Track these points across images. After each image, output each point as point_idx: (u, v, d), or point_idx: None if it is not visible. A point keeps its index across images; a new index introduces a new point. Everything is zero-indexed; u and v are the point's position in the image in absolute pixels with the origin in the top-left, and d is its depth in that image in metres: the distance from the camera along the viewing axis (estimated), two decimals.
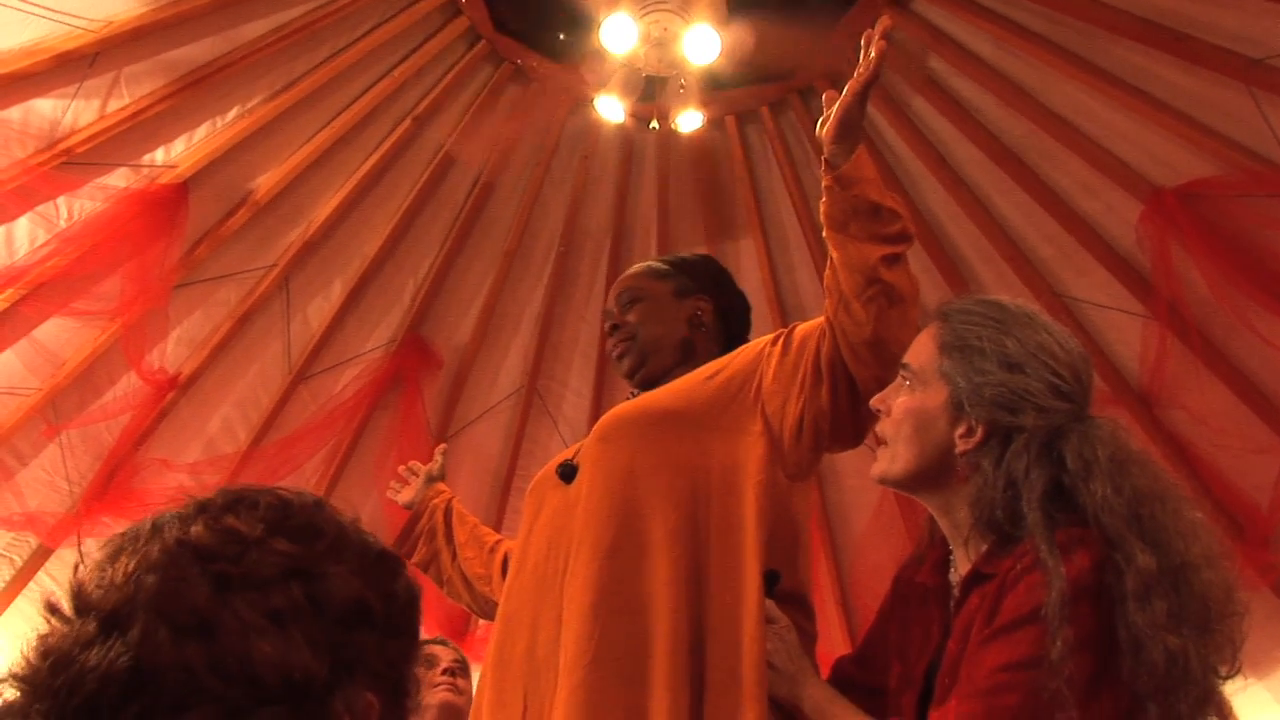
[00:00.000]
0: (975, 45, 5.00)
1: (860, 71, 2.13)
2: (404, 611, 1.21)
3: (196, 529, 1.11)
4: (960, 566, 1.85)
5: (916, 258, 5.49)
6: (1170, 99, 4.70)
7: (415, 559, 3.13)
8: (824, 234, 2.19)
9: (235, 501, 1.16)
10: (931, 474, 1.86)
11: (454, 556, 3.06)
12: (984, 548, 1.79)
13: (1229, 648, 1.65)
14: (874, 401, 1.97)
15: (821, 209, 2.18)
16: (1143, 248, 5.09)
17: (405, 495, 3.30)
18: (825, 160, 2.16)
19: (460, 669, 3.71)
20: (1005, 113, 5.13)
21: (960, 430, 1.82)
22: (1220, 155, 4.70)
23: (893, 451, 1.90)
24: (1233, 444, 5.24)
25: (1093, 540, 1.64)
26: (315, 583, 1.11)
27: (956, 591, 1.83)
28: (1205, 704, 1.59)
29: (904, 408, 1.90)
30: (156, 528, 1.12)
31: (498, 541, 3.06)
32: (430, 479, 3.29)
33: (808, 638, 2.18)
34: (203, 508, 1.15)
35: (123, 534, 1.14)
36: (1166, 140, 4.81)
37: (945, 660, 1.75)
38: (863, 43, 2.15)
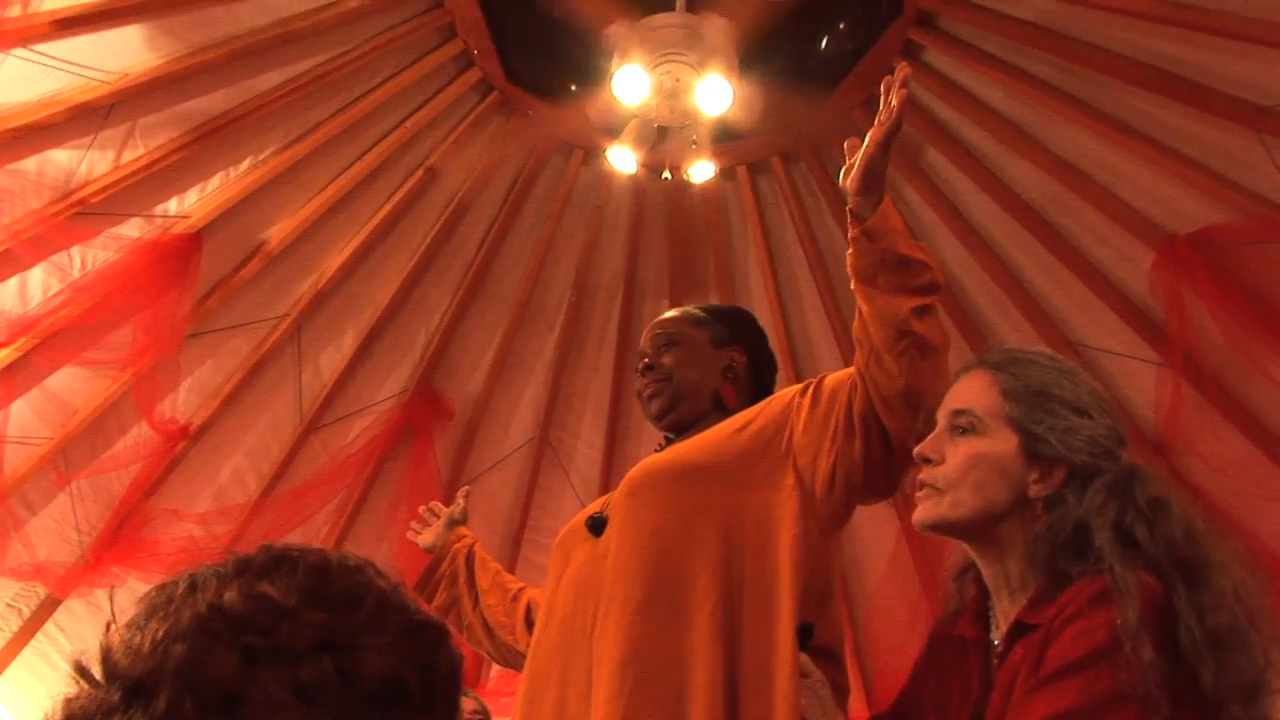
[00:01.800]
0: (986, 95, 5.02)
1: (882, 120, 2.12)
2: (443, 683, 1.16)
3: (230, 594, 1.07)
4: (1001, 617, 1.84)
5: None
6: (1181, 146, 4.71)
7: (435, 602, 3.09)
8: (852, 286, 2.18)
9: (276, 563, 1.12)
10: (995, 520, 1.85)
11: (475, 602, 3.03)
12: (1028, 596, 1.78)
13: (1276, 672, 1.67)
14: (923, 449, 1.94)
15: (849, 261, 2.17)
16: (1156, 295, 5.09)
17: (426, 538, 3.24)
18: (850, 211, 2.15)
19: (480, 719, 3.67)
20: (1017, 162, 5.14)
21: (1034, 475, 1.81)
22: (1232, 202, 4.71)
23: (955, 497, 1.87)
24: (1250, 491, 5.20)
25: (1156, 578, 1.65)
26: (348, 657, 1.06)
27: (999, 644, 1.81)
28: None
29: (969, 454, 1.87)
30: (192, 588, 1.09)
31: (520, 589, 3.02)
32: (452, 522, 3.23)
33: (840, 692, 2.15)
34: (242, 568, 1.12)
35: (160, 590, 1.11)
36: (1178, 188, 4.82)
37: (990, 713, 1.74)
38: (883, 90, 2.14)
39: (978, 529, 1.87)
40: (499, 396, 6.23)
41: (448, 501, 3.43)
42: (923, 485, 1.91)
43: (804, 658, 2.02)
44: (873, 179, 2.12)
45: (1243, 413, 5.14)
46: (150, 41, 4.53)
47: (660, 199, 5.78)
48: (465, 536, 3.21)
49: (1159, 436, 5.37)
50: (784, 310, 5.94)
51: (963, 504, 1.86)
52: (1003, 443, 1.85)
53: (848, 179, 2.15)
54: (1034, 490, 1.81)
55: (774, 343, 5.58)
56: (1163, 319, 5.11)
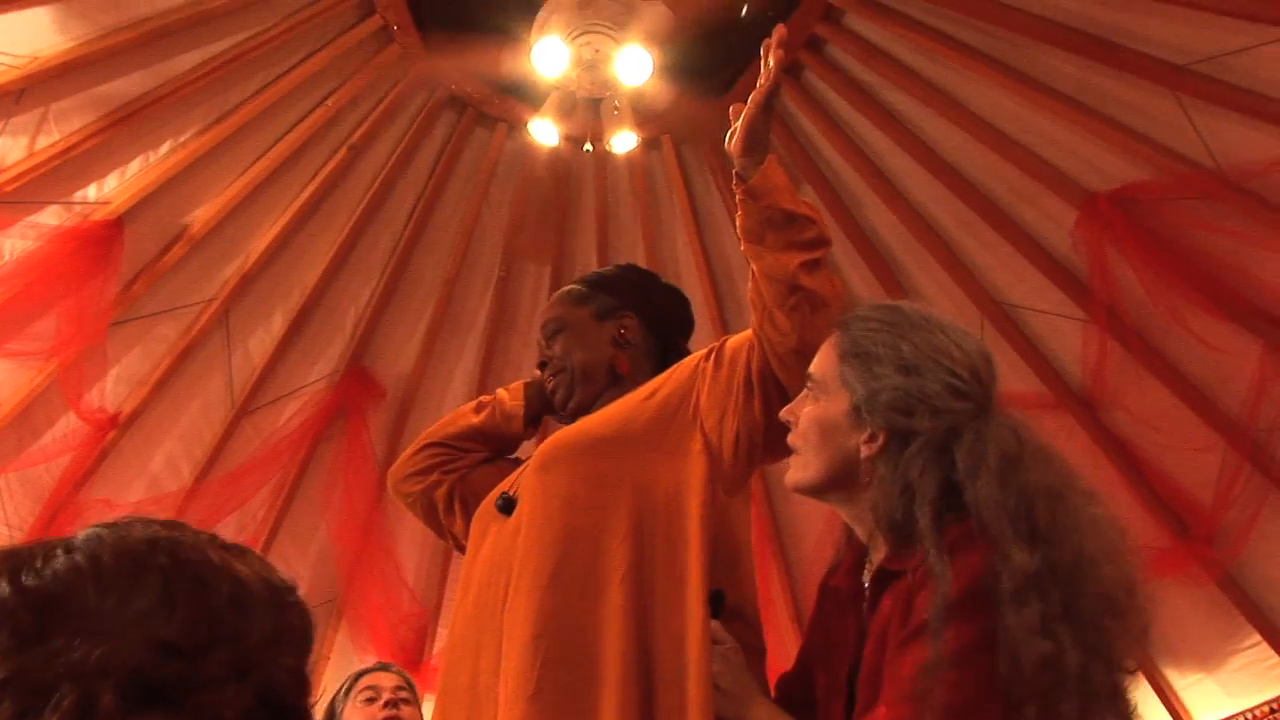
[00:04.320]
0: (907, 58, 5.05)
1: (760, 82, 2.11)
2: None
3: None
4: (873, 568, 1.86)
5: (856, 270, 5.57)
6: (1101, 106, 4.78)
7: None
8: (742, 248, 2.18)
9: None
10: (840, 481, 1.87)
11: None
12: (889, 549, 1.80)
13: (1131, 642, 1.65)
14: (783, 413, 1.98)
15: (737, 223, 2.17)
16: (1079, 253, 5.15)
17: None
18: (735, 174, 2.14)
19: (405, 698, 3.63)
20: (939, 124, 5.18)
21: (863, 437, 1.82)
22: (1151, 160, 4.78)
23: (804, 460, 1.91)
24: (1175, 443, 5.31)
25: (977, 542, 1.64)
26: None
27: (868, 592, 1.83)
28: (1097, 704, 1.58)
29: (809, 417, 1.91)
30: None
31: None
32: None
33: (755, 653, 2.16)
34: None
35: None
36: (1099, 146, 4.89)
37: (864, 666, 1.75)
38: (761, 52, 2.13)
39: (828, 490, 1.90)
40: (431, 373, 6.20)
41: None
42: (790, 448, 1.94)
43: (715, 624, 2.03)
44: (755, 139, 2.11)
45: (1166, 366, 5.24)
46: (61, 24, 4.44)
47: (587, 169, 5.78)
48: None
49: (1086, 391, 5.46)
50: (714, 279, 5.95)
51: (809, 465, 1.90)
52: (836, 405, 1.87)
53: (730, 142, 2.14)
54: (863, 451, 1.83)
55: (705, 311, 5.68)
56: (1086, 276, 5.18)
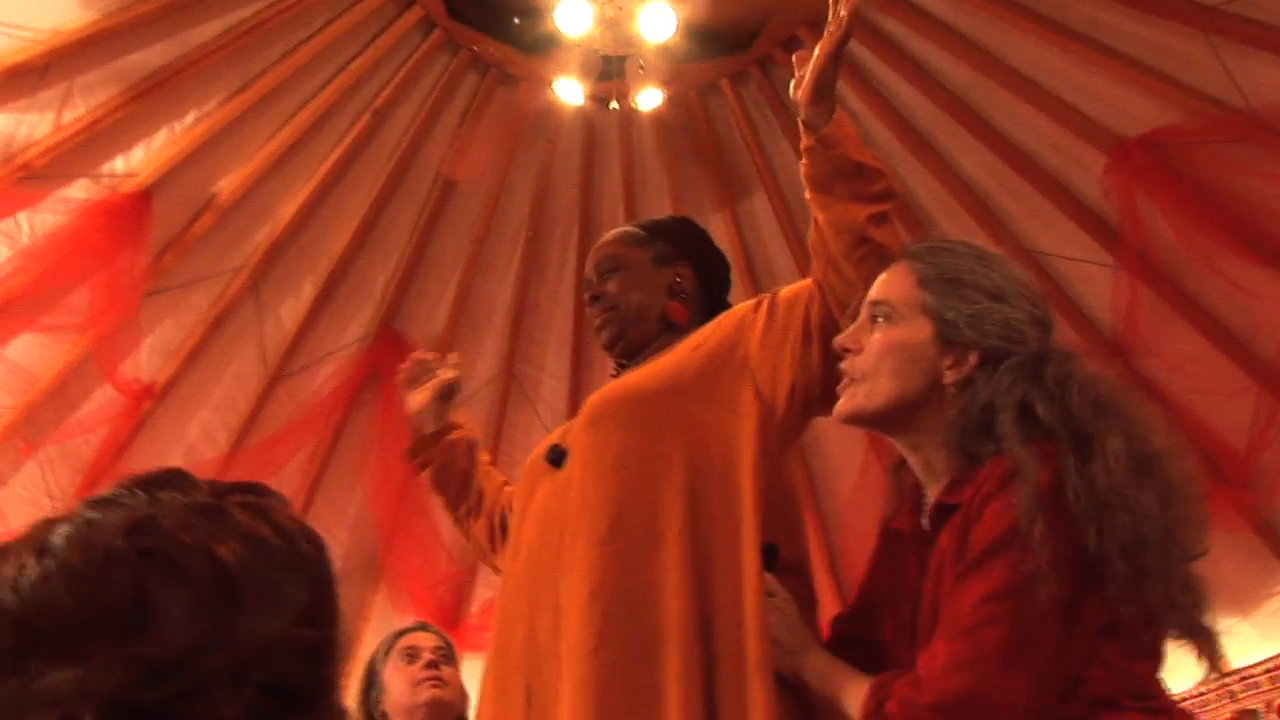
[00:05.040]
0: (932, 7, 5.00)
1: (831, 30, 2.09)
2: None
3: None
4: (930, 504, 1.87)
5: None
6: (1128, 50, 4.74)
7: (445, 497, 2.81)
8: (807, 196, 2.16)
9: None
10: (911, 408, 1.87)
11: (479, 511, 2.77)
12: (948, 478, 1.82)
13: (1197, 529, 1.70)
14: (842, 340, 1.95)
15: (803, 171, 2.15)
16: (1109, 199, 5.11)
17: (416, 401, 2.83)
18: (803, 122, 2.12)
19: (444, 657, 3.65)
20: (965, 72, 5.15)
21: (948, 361, 1.83)
22: (1180, 103, 4.74)
23: (870, 387, 1.89)
24: (1208, 388, 5.28)
25: (1054, 454, 1.67)
26: None
27: (928, 530, 1.85)
28: (1175, 575, 1.64)
29: (885, 343, 1.89)
30: None
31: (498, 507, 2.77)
32: (444, 396, 2.85)
33: (808, 606, 2.17)
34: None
35: None
36: (1127, 91, 4.85)
37: (924, 601, 1.77)
38: (831, 1, 2.11)
39: (896, 418, 1.90)
40: (462, 335, 6.21)
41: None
42: (843, 376, 1.93)
43: (769, 577, 2.03)
44: (823, 89, 2.10)
45: (1198, 311, 5.20)
46: None
47: (612, 127, 5.76)
48: (462, 428, 2.87)
49: (1117, 338, 5.43)
50: (740, 232, 5.94)
51: (878, 393, 1.88)
52: (917, 330, 1.87)
53: (798, 91, 2.13)
54: (948, 375, 1.83)
55: (733, 264, 5.65)
56: (1117, 222, 5.14)
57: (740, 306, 2.37)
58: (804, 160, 2.14)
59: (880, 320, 1.91)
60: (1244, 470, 5.29)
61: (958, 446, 1.80)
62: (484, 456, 2.91)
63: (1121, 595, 1.60)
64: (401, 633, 3.69)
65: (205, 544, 0.98)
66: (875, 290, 1.95)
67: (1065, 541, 1.59)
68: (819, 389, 2.15)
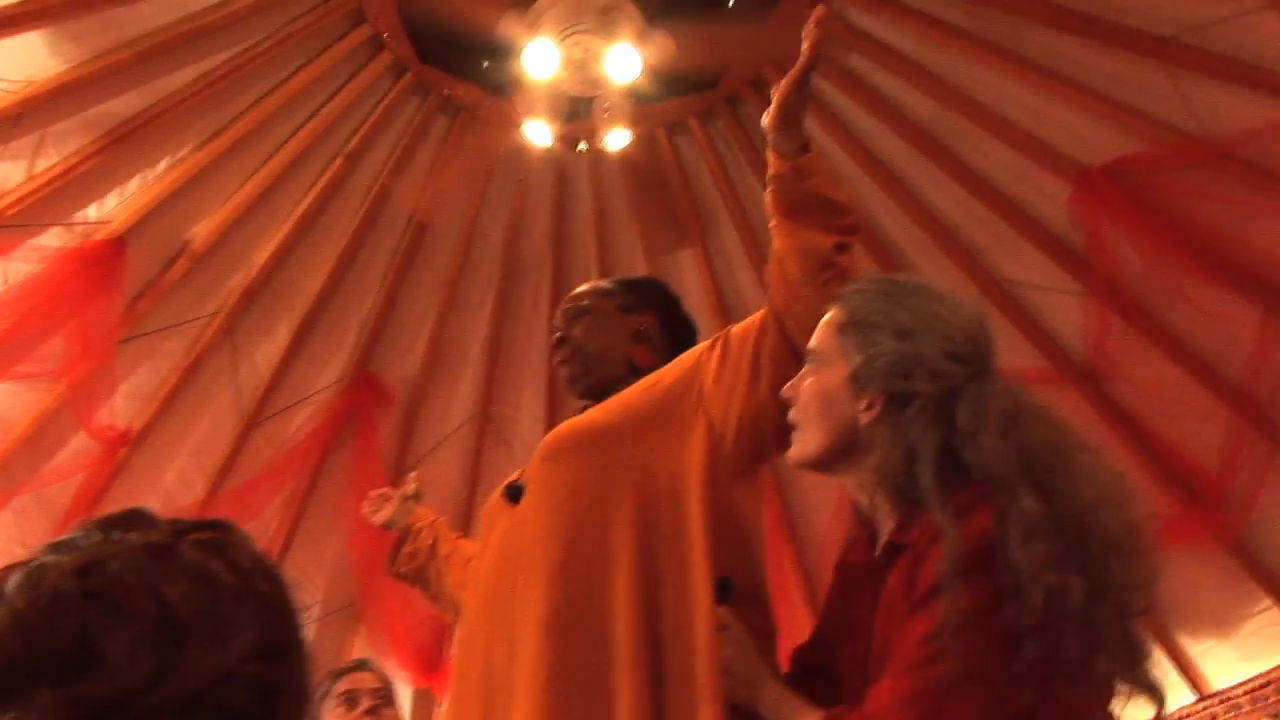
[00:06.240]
0: (895, 41, 5.08)
1: (801, 60, 2.16)
2: None
3: None
4: (883, 542, 1.89)
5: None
6: (1088, 80, 4.80)
7: (401, 571, 3.14)
8: (772, 223, 2.20)
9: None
10: (841, 452, 1.88)
11: (440, 572, 3.06)
12: (895, 520, 1.82)
13: (1138, 585, 1.65)
14: (784, 391, 1.99)
15: (769, 198, 2.19)
16: (1075, 227, 5.18)
17: (384, 514, 3.24)
18: (771, 148, 2.17)
19: (384, 699, 3.61)
20: (930, 105, 5.21)
21: (863, 404, 1.84)
22: (1142, 131, 4.82)
23: (804, 435, 1.93)
24: (1179, 412, 5.33)
25: (980, 503, 1.65)
26: None
27: (880, 567, 1.85)
28: (1103, 645, 1.59)
29: (809, 390, 1.93)
30: None
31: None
32: (406, 499, 3.25)
33: (765, 636, 2.19)
34: None
35: None
36: (1089, 121, 4.92)
37: (876, 638, 1.77)
38: (803, 34, 2.18)
39: (831, 462, 1.91)
40: (438, 376, 6.24)
41: (395, 483, 3.46)
42: (791, 424, 1.96)
43: (722, 610, 2.04)
44: (789, 115, 2.15)
45: (1166, 335, 5.26)
46: (54, 47, 4.48)
47: (582, 168, 5.81)
48: (426, 515, 3.23)
49: (1089, 365, 5.48)
50: (711, 268, 5.98)
51: (811, 439, 1.91)
52: (835, 375, 1.89)
53: (767, 119, 2.18)
54: (862, 419, 1.84)
55: (704, 301, 5.72)
56: (1084, 249, 5.20)
57: (696, 347, 2.41)
58: (770, 187, 2.19)
59: (810, 367, 1.96)
60: (1217, 492, 5.33)
61: (890, 492, 1.82)
62: (446, 544, 3.13)
63: (1044, 664, 1.55)
64: (340, 673, 3.62)
65: (151, 583, 1.00)
66: (812, 338, 1.98)
67: (984, 599, 1.58)
68: (769, 422, 2.17)
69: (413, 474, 3.44)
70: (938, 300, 1.90)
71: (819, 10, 2.19)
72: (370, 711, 3.45)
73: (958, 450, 1.73)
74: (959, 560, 1.60)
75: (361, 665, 3.81)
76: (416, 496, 3.28)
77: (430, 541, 3.13)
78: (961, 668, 1.57)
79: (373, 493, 3.37)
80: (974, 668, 1.57)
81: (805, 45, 2.17)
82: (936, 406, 1.76)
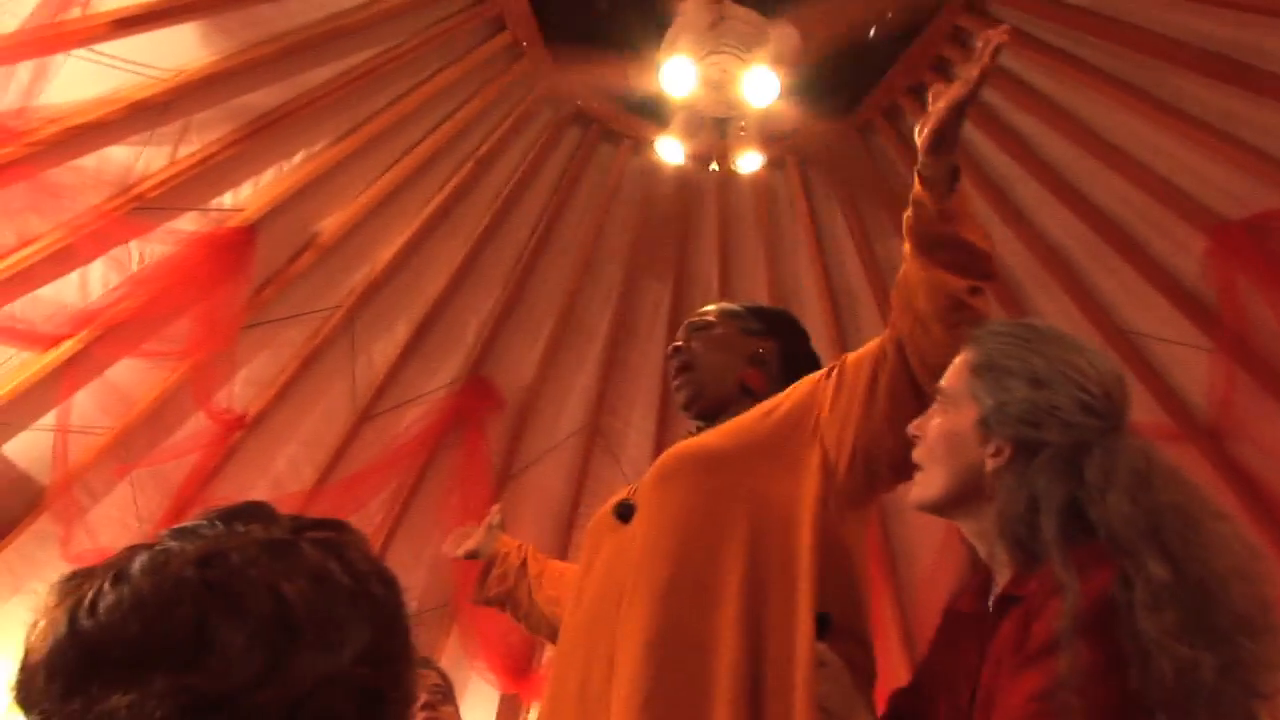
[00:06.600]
0: (1034, 79, 4.99)
1: (964, 78, 2.05)
2: None
3: None
4: (997, 591, 1.85)
5: None
6: (1233, 129, 4.67)
7: (490, 594, 3.15)
8: (906, 248, 2.13)
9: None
10: (964, 496, 1.85)
11: (530, 592, 3.07)
12: (1012, 570, 1.79)
13: (1267, 665, 1.59)
14: (910, 428, 1.97)
15: (906, 222, 2.12)
16: (1208, 281, 5.04)
17: (469, 544, 3.25)
18: (918, 170, 2.10)
19: (443, 696, 3.63)
20: (1066, 147, 5.11)
21: (990, 450, 1.81)
22: None
23: (928, 475, 1.90)
24: None
25: (1103, 562, 1.62)
26: None
27: (991, 617, 1.82)
28: (1228, 713, 1.54)
29: (936, 430, 1.90)
30: None
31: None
32: (491, 529, 3.26)
33: (863, 674, 2.16)
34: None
35: None
36: (1230, 172, 4.78)
37: (980, 690, 1.74)
38: (978, 45, 2.07)
39: (952, 506, 1.89)
40: (550, 385, 6.27)
41: (498, 491, 3.48)
42: (915, 463, 1.94)
43: (821, 646, 2.02)
44: (942, 139, 2.06)
45: None
46: (205, 39, 4.60)
47: (711, 188, 5.81)
48: (510, 541, 3.25)
49: (1213, 423, 5.33)
50: (834, 302, 5.93)
51: (933, 481, 1.89)
52: (964, 418, 1.86)
53: (920, 135, 2.09)
54: (988, 464, 1.81)
55: (826, 335, 5.68)
56: (1214, 304, 5.06)
57: (814, 374, 2.39)
58: (910, 211, 2.12)
59: (939, 407, 1.93)
60: None
61: (1007, 541, 1.78)
62: (535, 564, 3.17)
63: None
64: None
65: (271, 579, 1.02)
66: (943, 377, 1.95)
67: (1106, 659, 1.54)
68: (884, 453, 2.15)
69: (496, 505, 3.46)
70: (1075, 350, 1.87)
71: (1004, 29, 2.07)
72: (427, 706, 3.47)
73: (1083, 505, 1.69)
74: (1080, 617, 1.57)
75: (423, 663, 3.85)
76: (501, 525, 3.31)
77: (519, 562, 3.15)
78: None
79: (457, 530, 3.40)
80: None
81: (974, 70, 2.05)
82: (1066, 459, 1.73)
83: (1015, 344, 1.88)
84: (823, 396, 2.28)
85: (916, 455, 1.94)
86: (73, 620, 0.99)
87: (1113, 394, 1.83)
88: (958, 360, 1.94)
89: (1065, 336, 1.92)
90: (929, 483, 1.90)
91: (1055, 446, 1.74)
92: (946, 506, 1.90)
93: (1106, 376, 1.84)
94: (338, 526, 1.15)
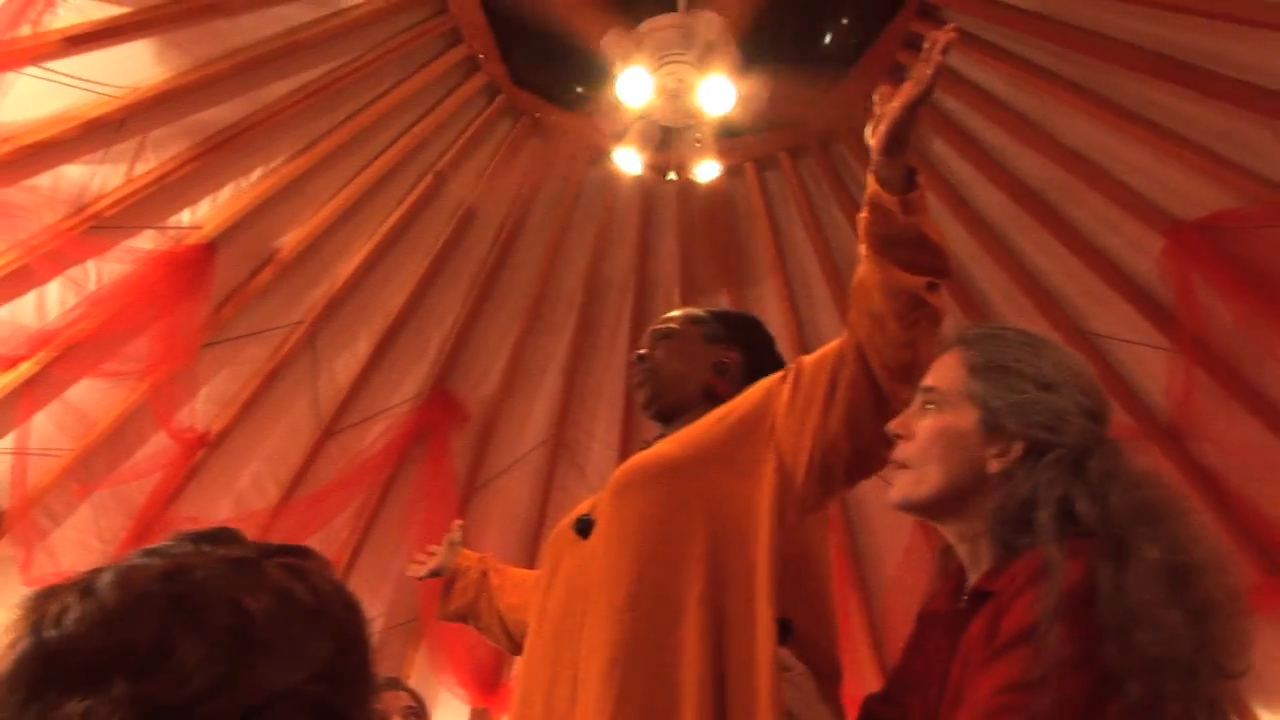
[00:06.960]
0: (990, 85, 5.03)
1: (916, 78, 2.04)
2: None
3: None
4: (969, 590, 1.86)
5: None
6: (1187, 132, 4.71)
7: (451, 608, 3.17)
8: (862, 249, 2.12)
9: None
10: (959, 495, 1.85)
11: (491, 603, 3.07)
12: (987, 568, 1.80)
13: (1235, 647, 1.64)
14: (894, 425, 1.95)
15: (862, 224, 2.11)
16: (1165, 281, 5.08)
17: (431, 563, 3.29)
18: (872, 171, 2.08)
19: (415, 717, 3.64)
20: (1022, 152, 5.15)
21: (994, 450, 1.82)
22: (1239, 187, 4.70)
23: (919, 474, 1.89)
24: (1264, 474, 5.20)
25: (1091, 553, 1.64)
26: None
27: (964, 615, 1.83)
28: (1199, 695, 1.57)
29: (932, 430, 1.89)
30: None
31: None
32: (452, 545, 3.29)
33: (828, 678, 2.16)
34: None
35: None
36: (1185, 174, 4.82)
37: (949, 684, 1.75)
38: (926, 46, 2.05)
39: (944, 506, 1.88)
40: (514, 398, 6.27)
41: (464, 505, 3.48)
42: (896, 463, 1.93)
43: (784, 652, 2.02)
44: (896, 140, 2.04)
45: (1255, 396, 5.13)
46: (159, 55, 4.57)
47: (668, 196, 5.81)
48: (471, 555, 3.28)
49: (1172, 422, 5.37)
50: (794, 305, 5.95)
51: (926, 481, 1.88)
52: (964, 418, 1.86)
53: (873, 135, 2.08)
54: (992, 465, 1.82)
55: (785, 338, 5.68)
56: (1172, 304, 5.11)
57: (768, 379, 2.36)
58: (866, 213, 2.10)
59: (930, 407, 1.92)
60: None
61: (997, 535, 1.79)
62: (496, 575, 3.19)
63: (1137, 715, 1.55)
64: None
65: (233, 594, 1.04)
66: (928, 376, 1.95)
67: (1085, 645, 1.56)
68: (841, 456, 2.14)
69: (457, 522, 3.47)
70: (1069, 356, 1.92)
71: (951, 29, 2.05)
72: None
73: (1073, 502, 1.72)
74: (1062, 598, 1.59)
75: (393, 684, 3.84)
76: (461, 541, 3.34)
77: (479, 574, 3.16)
78: (1070, 697, 1.55)
79: (419, 553, 3.44)
80: (1074, 705, 1.55)
81: (926, 69, 2.03)
82: (1072, 460, 1.75)
83: (1018, 347, 1.90)
84: (777, 402, 2.26)
85: (902, 455, 1.93)
86: (38, 631, 1.02)
87: (1104, 399, 1.88)
88: (947, 360, 1.94)
89: (1057, 343, 1.97)
90: (921, 481, 1.89)
91: (1065, 448, 1.76)
92: (937, 506, 1.90)
93: (1096, 382, 1.89)
94: (303, 553, 1.17)
